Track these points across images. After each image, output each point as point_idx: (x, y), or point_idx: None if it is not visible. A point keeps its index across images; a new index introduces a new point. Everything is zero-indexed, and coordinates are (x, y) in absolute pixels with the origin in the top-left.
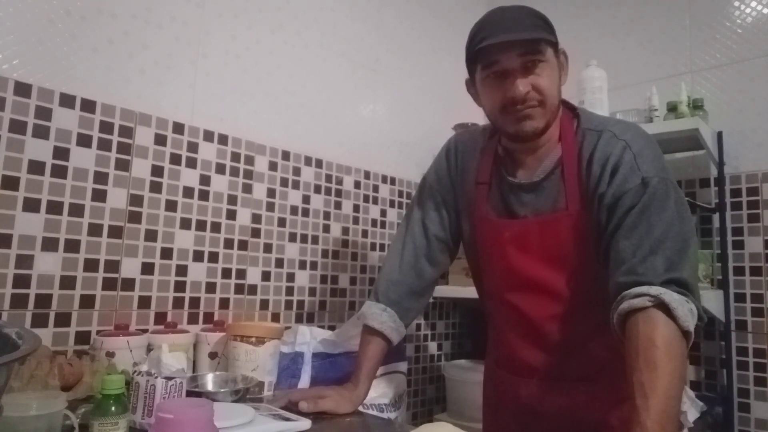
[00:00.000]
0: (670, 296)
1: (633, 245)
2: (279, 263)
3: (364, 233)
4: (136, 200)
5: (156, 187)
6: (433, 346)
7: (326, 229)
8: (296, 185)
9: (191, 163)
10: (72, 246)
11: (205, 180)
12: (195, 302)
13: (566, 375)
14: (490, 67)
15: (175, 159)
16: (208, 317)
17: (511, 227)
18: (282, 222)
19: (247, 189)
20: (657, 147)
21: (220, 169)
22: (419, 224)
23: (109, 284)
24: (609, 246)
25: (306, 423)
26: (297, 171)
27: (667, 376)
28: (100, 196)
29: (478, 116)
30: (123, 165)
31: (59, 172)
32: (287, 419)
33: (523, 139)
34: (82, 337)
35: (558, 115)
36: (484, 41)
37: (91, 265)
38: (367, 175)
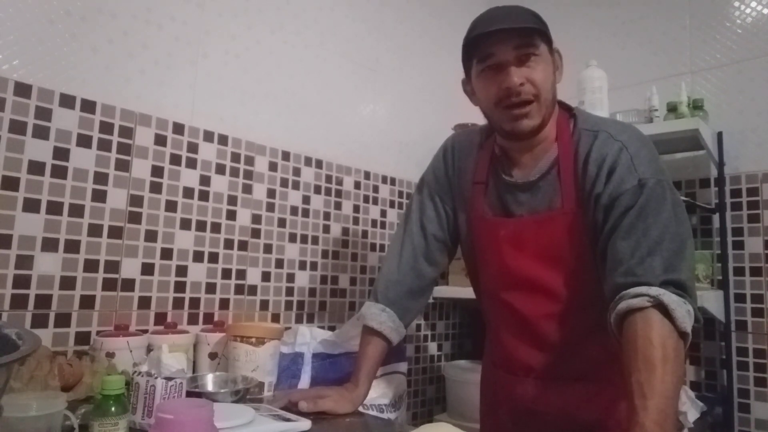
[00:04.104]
0: (668, 297)
1: (630, 246)
2: (279, 264)
3: (364, 233)
4: (136, 201)
5: (156, 188)
6: (433, 347)
7: (326, 229)
8: (296, 185)
9: (191, 164)
10: (72, 246)
11: (205, 180)
12: (195, 303)
13: (562, 375)
14: (485, 60)
15: (175, 159)
16: (208, 318)
17: (507, 226)
18: (282, 222)
19: (247, 189)
20: (653, 148)
21: (220, 169)
22: (417, 224)
23: (109, 285)
24: (606, 247)
25: (306, 423)
26: (297, 171)
27: (666, 376)
28: (100, 196)
29: (478, 116)
30: (123, 165)
31: (59, 172)
32: (287, 419)
33: (519, 137)
34: (82, 338)
35: (554, 114)
36: (479, 32)
37: (91, 266)
38: (367, 175)
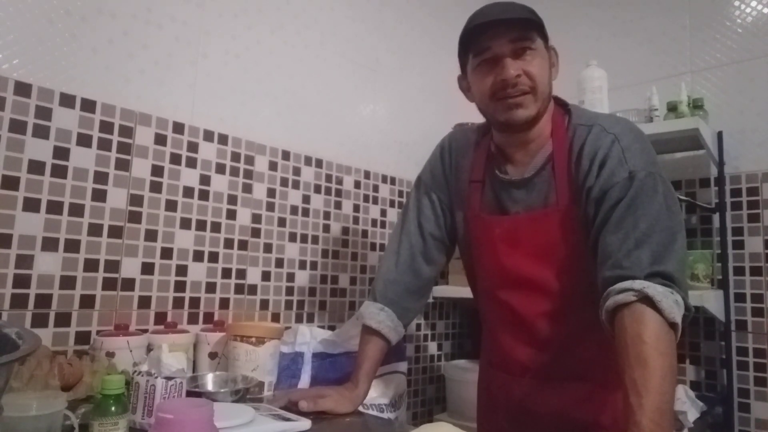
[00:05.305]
0: (653, 289)
1: (619, 239)
2: (279, 263)
3: (364, 233)
4: (136, 200)
5: (156, 187)
6: (433, 346)
7: (326, 229)
8: (296, 185)
9: (191, 163)
10: (72, 246)
11: (205, 180)
12: (195, 302)
13: (559, 374)
14: (482, 54)
15: (175, 159)
16: (208, 317)
17: (502, 224)
18: (282, 222)
19: (247, 189)
20: (647, 141)
21: (220, 168)
22: (415, 223)
23: (109, 284)
24: (597, 240)
25: (306, 423)
26: (297, 171)
27: (659, 371)
28: (100, 196)
29: (478, 116)
30: (123, 165)
31: (59, 171)
32: (287, 419)
33: (514, 128)
34: (82, 337)
35: (549, 110)
36: (476, 24)
37: (91, 265)
38: (367, 175)
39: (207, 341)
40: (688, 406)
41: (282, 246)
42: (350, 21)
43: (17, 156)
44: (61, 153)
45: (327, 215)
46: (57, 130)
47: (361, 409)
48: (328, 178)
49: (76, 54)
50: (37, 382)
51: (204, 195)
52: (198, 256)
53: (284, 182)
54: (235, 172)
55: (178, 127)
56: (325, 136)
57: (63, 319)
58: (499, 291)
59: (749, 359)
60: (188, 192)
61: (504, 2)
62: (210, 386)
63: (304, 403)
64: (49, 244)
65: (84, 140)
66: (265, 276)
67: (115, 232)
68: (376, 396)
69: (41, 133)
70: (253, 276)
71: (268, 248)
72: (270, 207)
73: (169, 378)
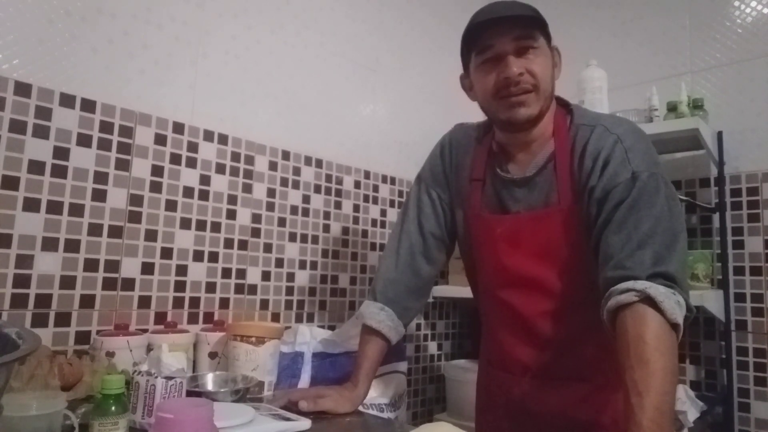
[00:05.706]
0: (655, 290)
1: (621, 240)
2: (279, 263)
3: (364, 233)
4: (136, 200)
5: (156, 187)
6: (433, 346)
7: (326, 229)
8: (296, 185)
9: (191, 163)
10: (72, 246)
11: (205, 180)
12: (195, 302)
13: (559, 373)
14: (485, 52)
15: (175, 159)
16: (208, 317)
17: (503, 223)
18: (282, 222)
19: (247, 189)
20: (649, 142)
21: (220, 168)
22: (415, 222)
23: (109, 284)
24: (599, 241)
25: (306, 423)
26: (297, 171)
27: (659, 372)
28: (100, 196)
29: (478, 116)
30: (123, 165)
31: (59, 172)
32: (287, 419)
33: (516, 127)
34: (82, 337)
35: (552, 109)
36: (479, 21)
37: (91, 265)
38: (367, 175)
39: (207, 341)
40: (688, 406)
41: (282, 246)
42: (350, 21)
43: (17, 156)
44: (61, 153)
45: (327, 215)
46: (57, 130)
47: (361, 408)
48: (328, 178)
49: (76, 54)
50: (37, 382)
51: (204, 195)
52: (198, 256)
53: (284, 182)
54: (235, 172)
55: (178, 127)
56: (325, 136)
57: (63, 319)
58: (499, 290)
59: (749, 359)
60: (188, 192)
61: (507, 1)
62: (210, 386)
63: (304, 403)
64: (49, 244)
65: (84, 140)
66: (265, 276)
67: (115, 232)
68: (376, 396)
69: (41, 133)
70: (253, 276)
71: (268, 248)
72: (270, 207)
73: (169, 378)
